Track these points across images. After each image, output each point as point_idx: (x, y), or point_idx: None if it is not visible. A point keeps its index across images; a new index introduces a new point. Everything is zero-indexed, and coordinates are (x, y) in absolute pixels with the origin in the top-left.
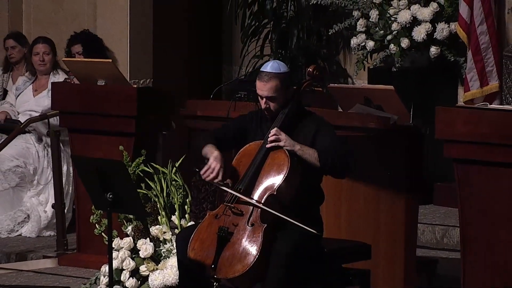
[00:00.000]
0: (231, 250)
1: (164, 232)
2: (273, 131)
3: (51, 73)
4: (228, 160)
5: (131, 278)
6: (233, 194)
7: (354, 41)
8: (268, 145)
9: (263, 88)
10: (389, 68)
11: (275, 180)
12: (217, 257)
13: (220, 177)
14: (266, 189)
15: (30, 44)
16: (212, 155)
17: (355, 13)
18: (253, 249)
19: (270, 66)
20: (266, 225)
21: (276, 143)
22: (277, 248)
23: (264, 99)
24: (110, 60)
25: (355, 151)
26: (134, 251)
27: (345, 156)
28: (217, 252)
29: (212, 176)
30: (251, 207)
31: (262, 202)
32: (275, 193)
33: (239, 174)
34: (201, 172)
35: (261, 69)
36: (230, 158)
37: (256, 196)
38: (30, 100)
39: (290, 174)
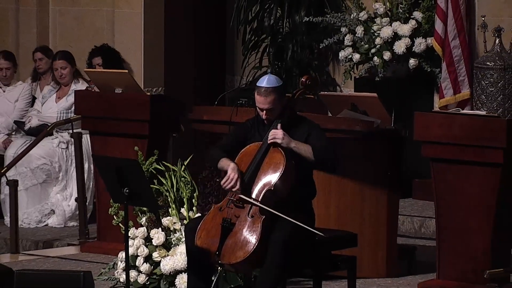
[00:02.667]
0: (233, 239)
1: (174, 223)
2: (273, 131)
3: (72, 82)
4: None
5: (145, 263)
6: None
7: (342, 54)
8: (269, 141)
9: (263, 102)
10: (373, 78)
11: (272, 177)
12: (221, 245)
13: (238, 186)
14: (264, 185)
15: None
16: (230, 166)
17: (343, 29)
18: (253, 238)
19: (266, 81)
20: (264, 216)
21: (276, 140)
22: (275, 237)
23: (265, 111)
24: (127, 71)
25: (342, 151)
26: (147, 240)
27: (334, 153)
28: (221, 240)
29: (231, 185)
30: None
31: (261, 196)
32: (272, 188)
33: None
34: (222, 182)
35: (258, 84)
36: (232, 158)
37: (255, 190)
38: (53, 107)
39: (285, 172)
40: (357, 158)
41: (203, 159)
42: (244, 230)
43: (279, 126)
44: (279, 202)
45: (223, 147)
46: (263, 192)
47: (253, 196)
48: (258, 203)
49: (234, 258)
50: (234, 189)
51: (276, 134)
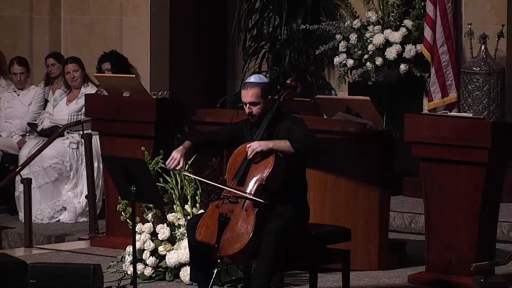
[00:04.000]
0: (230, 232)
1: (179, 219)
2: (248, 146)
3: (82, 86)
4: (227, 160)
5: (151, 257)
6: (225, 186)
7: (336, 60)
8: (249, 156)
9: (246, 95)
10: (366, 82)
11: (263, 172)
12: (219, 238)
13: (181, 165)
14: (256, 180)
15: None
16: (176, 149)
17: (338, 37)
18: (247, 230)
19: (252, 78)
20: (257, 209)
21: (254, 152)
22: (268, 228)
23: (247, 105)
24: (134, 76)
25: (337, 151)
26: (153, 235)
27: (314, 139)
28: (218, 234)
29: (174, 164)
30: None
31: (254, 190)
32: (263, 182)
33: (234, 169)
34: (166, 163)
35: (245, 81)
36: (229, 157)
37: (249, 186)
38: (64, 109)
39: (275, 167)
40: (350, 157)
41: (206, 159)
42: (240, 223)
43: (249, 148)
44: (272, 196)
45: (207, 136)
46: (255, 186)
47: (247, 191)
48: (215, 183)
49: (232, 250)
50: (177, 168)
51: (252, 146)
